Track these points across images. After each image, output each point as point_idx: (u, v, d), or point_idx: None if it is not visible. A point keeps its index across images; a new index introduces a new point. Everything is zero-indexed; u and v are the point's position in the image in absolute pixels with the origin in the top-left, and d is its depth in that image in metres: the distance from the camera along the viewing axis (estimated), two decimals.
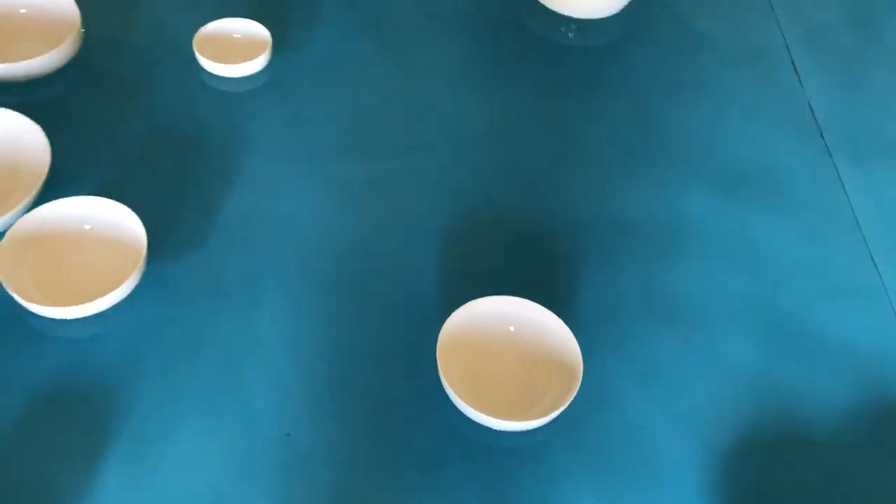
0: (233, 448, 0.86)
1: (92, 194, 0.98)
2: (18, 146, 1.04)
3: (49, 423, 0.87)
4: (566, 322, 0.93)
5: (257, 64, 1.18)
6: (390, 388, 0.93)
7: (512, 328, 0.95)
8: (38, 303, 0.90)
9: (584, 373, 0.89)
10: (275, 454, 0.86)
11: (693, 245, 1.08)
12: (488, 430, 0.89)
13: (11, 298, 0.90)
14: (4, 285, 0.90)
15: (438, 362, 0.89)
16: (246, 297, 0.98)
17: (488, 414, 0.87)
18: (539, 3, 1.34)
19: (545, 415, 0.88)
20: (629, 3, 1.34)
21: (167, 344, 0.93)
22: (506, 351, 0.95)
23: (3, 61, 1.10)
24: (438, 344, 0.91)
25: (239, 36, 1.20)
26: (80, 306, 0.90)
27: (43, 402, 0.88)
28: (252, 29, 1.20)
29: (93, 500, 0.82)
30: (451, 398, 0.89)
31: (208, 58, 1.16)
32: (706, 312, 1.02)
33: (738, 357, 0.98)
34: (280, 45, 1.21)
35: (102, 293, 0.90)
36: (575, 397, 0.88)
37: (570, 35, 1.30)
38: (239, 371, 0.92)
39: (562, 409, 0.88)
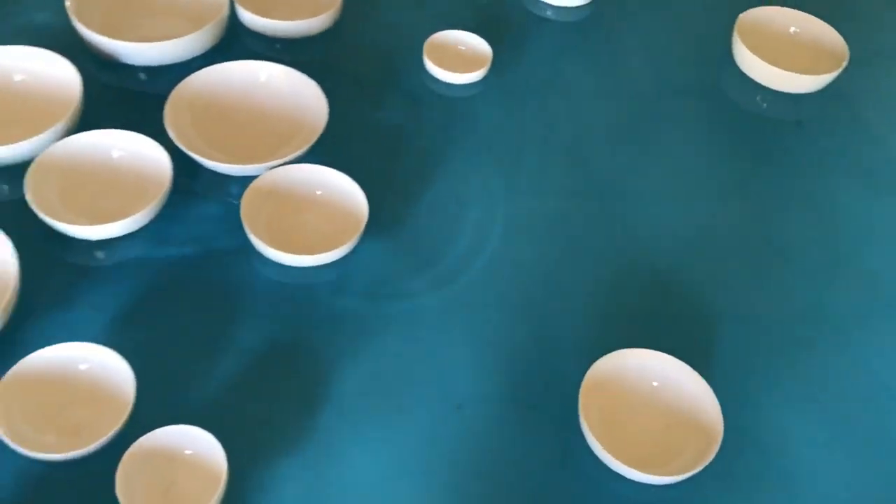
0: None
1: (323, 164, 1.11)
2: (297, 101, 1.19)
3: (277, 369, 0.98)
4: (709, 381, 0.96)
5: (475, 76, 1.30)
6: (529, 428, 0.97)
7: (655, 383, 0.98)
8: (275, 247, 1.02)
9: (724, 432, 0.92)
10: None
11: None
12: (626, 481, 0.91)
13: (251, 244, 1.04)
14: (247, 229, 1.03)
15: (581, 409, 0.92)
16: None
17: (630, 465, 0.89)
18: (744, 74, 1.37)
19: (685, 471, 0.90)
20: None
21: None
22: (646, 405, 0.97)
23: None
24: (582, 389, 0.94)
25: (464, 48, 1.33)
26: (312, 256, 1.02)
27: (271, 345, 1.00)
28: (476, 43, 1.33)
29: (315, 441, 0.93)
30: (592, 447, 0.92)
31: (435, 63, 1.29)
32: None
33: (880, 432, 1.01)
34: (498, 62, 1.32)
35: (325, 249, 1.03)
36: (714, 458, 0.90)
37: (797, 124, 1.33)
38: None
39: (699, 468, 0.90)
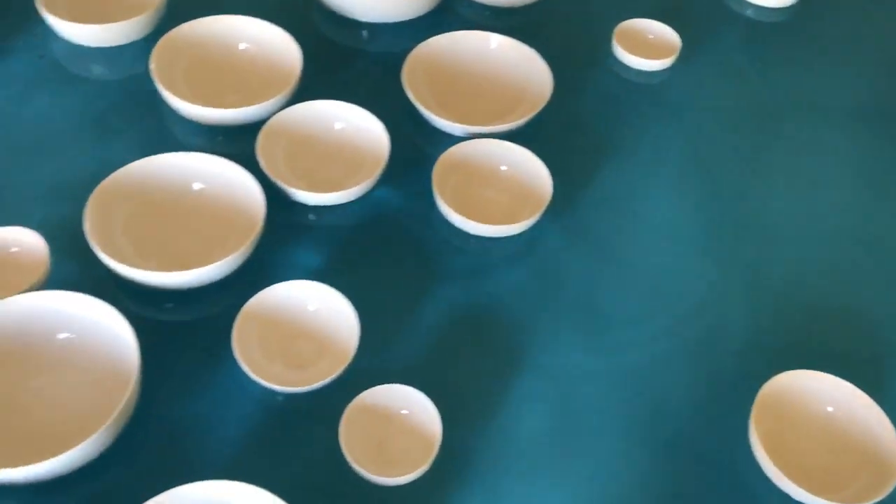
0: None
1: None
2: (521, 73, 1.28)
3: (476, 333, 1.05)
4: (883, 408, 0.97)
5: (661, 64, 1.35)
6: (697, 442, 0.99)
7: (830, 408, 0.98)
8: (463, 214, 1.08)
9: None
10: None
11: None
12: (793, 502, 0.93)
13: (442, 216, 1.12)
14: (437, 200, 1.11)
15: (753, 429, 0.94)
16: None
17: (799, 486, 0.91)
18: None
19: (858, 501, 0.91)
20: None
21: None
22: (819, 429, 0.97)
23: None
24: (754, 408, 0.95)
25: (652, 37, 1.38)
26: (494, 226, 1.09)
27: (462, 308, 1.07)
28: (664, 32, 1.37)
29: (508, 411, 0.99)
30: (763, 468, 0.94)
31: (624, 49, 1.34)
32: None
33: None
34: (685, 53, 1.36)
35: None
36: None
37: None
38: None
39: (873, 501, 0.91)
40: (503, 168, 1.17)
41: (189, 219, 1.08)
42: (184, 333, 1.02)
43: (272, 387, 0.93)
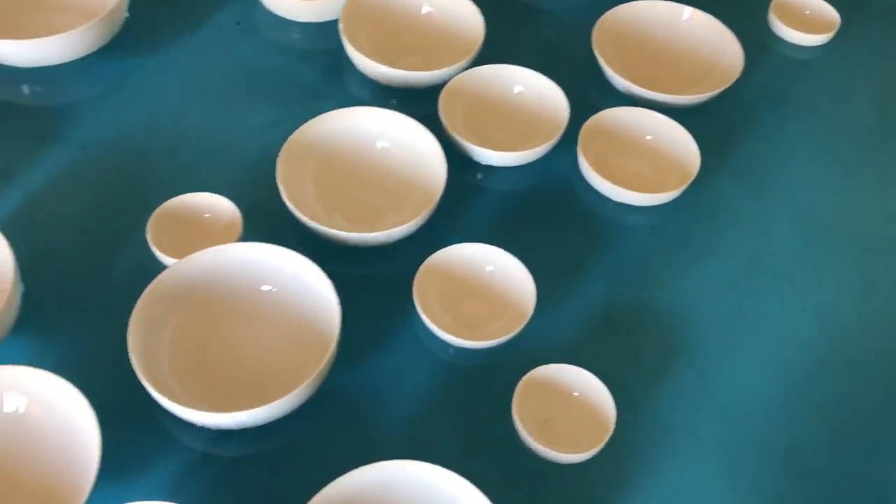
0: None
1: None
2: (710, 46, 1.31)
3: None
4: None
5: (817, 40, 1.34)
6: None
7: None
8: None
9: None
10: None
11: None
12: None
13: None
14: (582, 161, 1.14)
15: None
16: None
17: None
18: None
19: None
20: None
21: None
22: None
23: None
24: None
25: (809, 13, 1.37)
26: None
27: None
28: (822, 8, 1.37)
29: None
30: None
31: (782, 21, 1.34)
32: None
33: None
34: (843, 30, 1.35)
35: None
36: None
37: None
38: None
39: None
40: (648, 137, 1.18)
41: (372, 176, 1.11)
42: (366, 286, 1.05)
43: (457, 341, 0.96)
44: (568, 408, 0.95)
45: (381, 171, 1.11)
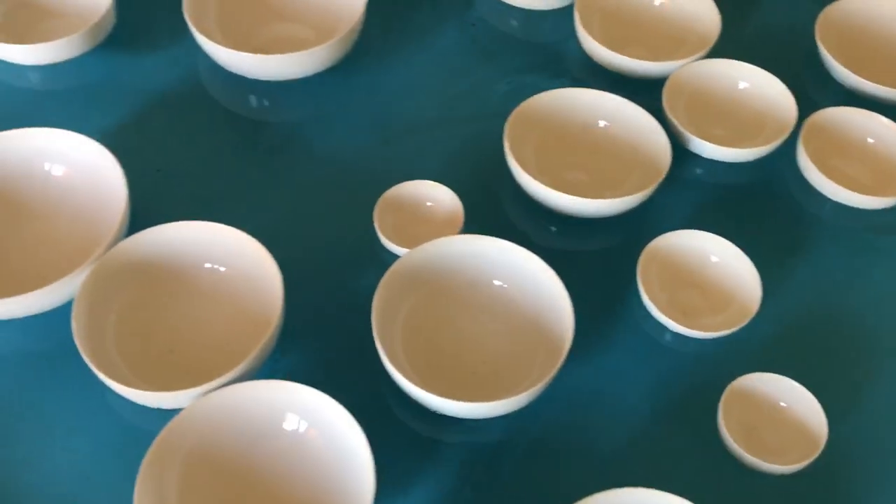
0: None
1: None
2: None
3: None
4: None
5: None
6: None
7: None
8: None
9: None
10: None
11: None
12: None
13: None
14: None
15: None
16: None
17: None
18: None
19: None
20: None
21: None
22: None
23: None
24: None
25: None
26: None
27: None
28: None
29: None
30: None
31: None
32: None
33: None
34: None
35: None
36: None
37: None
38: None
39: None
40: (870, 140, 1.17)
41: (591, 153, 1.14)
42: (584, 263, 1.08)
43: (678, 328, 0.97)
44: (775, 419, 0.94)
45: (600, 149, 1.14)
